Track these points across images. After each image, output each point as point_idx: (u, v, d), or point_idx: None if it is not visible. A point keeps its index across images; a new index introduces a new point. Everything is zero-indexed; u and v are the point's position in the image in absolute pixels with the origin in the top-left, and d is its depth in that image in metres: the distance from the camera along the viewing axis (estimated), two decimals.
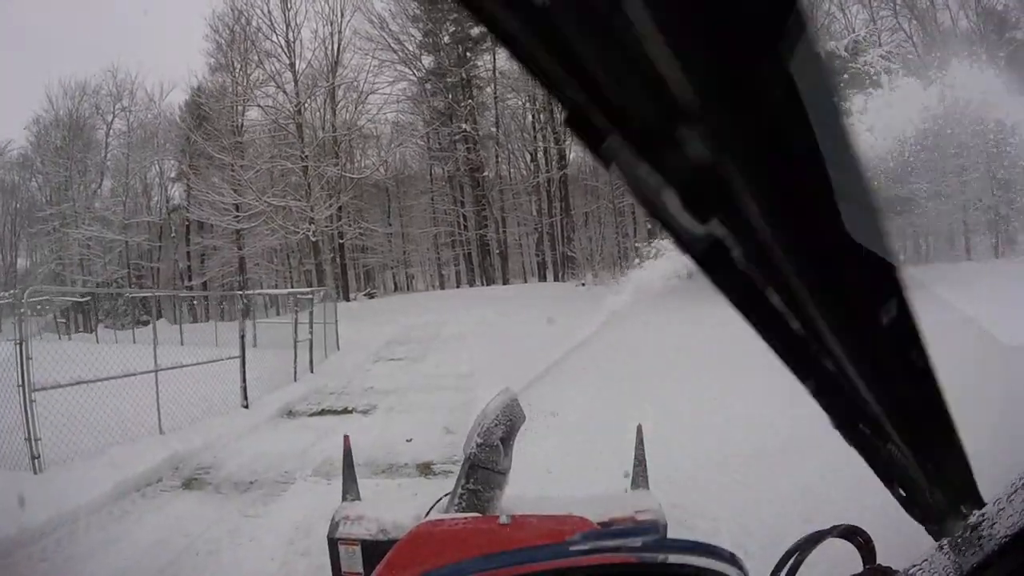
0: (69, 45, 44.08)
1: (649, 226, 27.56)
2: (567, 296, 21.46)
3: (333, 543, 2.03)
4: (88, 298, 23.93)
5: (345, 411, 7.94)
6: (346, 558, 1.99)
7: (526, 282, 31.52)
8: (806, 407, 0.61)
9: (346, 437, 2.52)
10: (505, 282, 30.26)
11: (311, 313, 11.49)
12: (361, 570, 1.95)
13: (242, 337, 8.04)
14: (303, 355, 10.67)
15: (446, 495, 2.03)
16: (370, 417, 7.40)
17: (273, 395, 8.65)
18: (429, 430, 6.46)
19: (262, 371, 8.97)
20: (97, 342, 18.59)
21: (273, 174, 27.48)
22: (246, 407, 7.87)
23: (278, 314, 19.22)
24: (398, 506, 2.19)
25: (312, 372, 10.68)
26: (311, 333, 11.02)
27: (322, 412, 8.03)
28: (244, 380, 7.92)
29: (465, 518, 1.70)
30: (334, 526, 2.07)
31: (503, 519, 1.41)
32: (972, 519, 0.59)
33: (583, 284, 24.55)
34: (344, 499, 2.29)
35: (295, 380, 9.84)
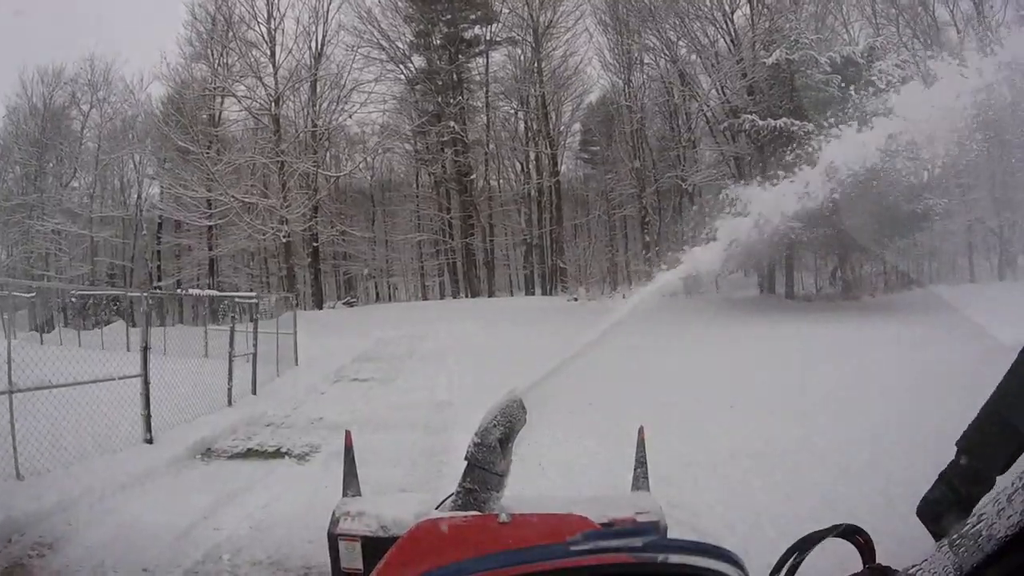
0: (51, 32, 42.03)
1: (646, 238, 26.15)
2: (559, 311, 19.83)
3: (333, 538, 1.96)
4: (33, 295, 21.76)
5: (277, 453, 6.08)
6: (346, 554, 1.94)
7: (512, 295, 30.03)
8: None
9: (348, 433, 2.39)
10: (491, 294, 28.63)
11: (255, 322, 9.67)
12: (361, 566, 1.89)
13: (144, 350, 6.17)
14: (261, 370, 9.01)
15: (450, 496, 1.92)
16: (305, 466, 5.54)
17: (193, 424, 6.80)
18: (382, 492, 4.69)
19: (194, 389, 7.26)
20: (42, 343, 17.26)
21: (253, 169, 25.71)
22: (149, 442, 6.04)
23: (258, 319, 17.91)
24: (400, 503, 2.05)
25: (255, 394, 8.83)
26: (255, 346, 9.20)
27: (247, 453, 6.17)
28: (147, 407, 6.06)
29: (465, 517, 1.68)
30: (334, 521, 1.99)
31: (503, 518, 1.36)
32: (972, 519, 0.59)
33: (575, 299, 23.03)
34: (345, 494, 2.16)
35: (229, 404, 8.01)
